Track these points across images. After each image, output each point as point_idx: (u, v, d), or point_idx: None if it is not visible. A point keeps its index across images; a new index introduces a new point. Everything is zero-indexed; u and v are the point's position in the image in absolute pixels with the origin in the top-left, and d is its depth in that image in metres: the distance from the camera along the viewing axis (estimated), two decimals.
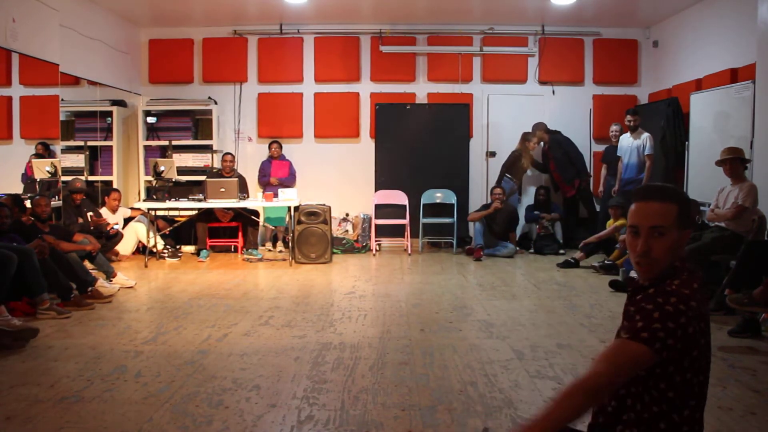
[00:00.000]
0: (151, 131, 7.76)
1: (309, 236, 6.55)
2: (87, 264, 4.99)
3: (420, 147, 7.62)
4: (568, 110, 8.03)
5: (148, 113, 7.70)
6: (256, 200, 6.79)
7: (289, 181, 7.65)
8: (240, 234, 7.12)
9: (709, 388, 2.75)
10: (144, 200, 6.88)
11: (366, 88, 8.08)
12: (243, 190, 6.84)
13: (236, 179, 6.60)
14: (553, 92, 8.10)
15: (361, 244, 7.55)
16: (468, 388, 2.88)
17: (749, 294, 3.53)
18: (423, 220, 7.41)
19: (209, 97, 7.89)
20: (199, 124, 7.89)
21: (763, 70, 5.04)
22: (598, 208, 7.52)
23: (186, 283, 5.48)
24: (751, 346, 3.55)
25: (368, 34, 8.02)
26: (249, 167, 7.93)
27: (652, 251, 1.42)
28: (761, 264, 3.71)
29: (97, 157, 7.49)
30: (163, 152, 7.75)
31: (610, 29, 8.00)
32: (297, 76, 8.08)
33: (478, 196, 7.90)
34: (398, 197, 7.52)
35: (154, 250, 6.63)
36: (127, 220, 6.90)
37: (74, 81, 6.67)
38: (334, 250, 7.14)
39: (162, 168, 6.68)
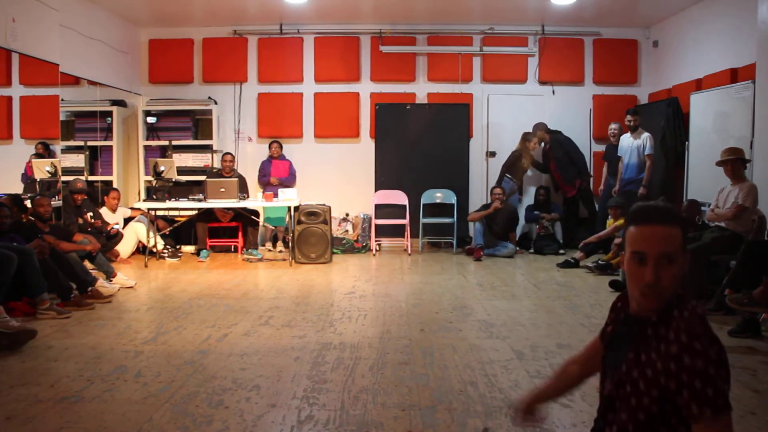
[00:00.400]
0: (151, 131, 7.76)
1: (309, 236, 6.55)
2: (87, 264, 4.99)
3: (420, 147, 7.62)
4: (568, 110, 8.03)
5: (148, 113, 7.70)
6: (256, 200, 6.79)
7: (289, 181, 7.65)
8: (240, 234, 7.12)
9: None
10: (144, 200, 6.88)
11: (366, 88, 8.08)
12: (243, 190, 6.84)
13: (236, 179, 6.60)
14: (553, 92, 8.10)
15: (361, 244, 7.55)
16: (468, 388, 2.88)
17: (749, 294, 3.53)
18: (423, 220, 7.41)
19: (209, 97, 7.89)
20: (199, 124, 7.89)
21: (763, 70, 5.04)
22: (598, 207, 7.52)
23: (186, 283, 5.48)
24: (751, 346, 3.55)
25: (368, 34, 8.02)
26: (249, 167, 7.93)
27: (661, 280, 1.30)
28: (761, 264, 3.71)
29: (97, 157, 7.49)
30: (163, 152, 7.75)
31: (610, 29, 8.00)
32: (297, 76, 8.08)
33: (478, 196, 7.90)
34: (398, 197, 7.52)
35: (154, 250, 6.63)
36: (127, 220, 6.90)
37: (74, 81, 6.67)
38: (334, 250, 7.14)
39: (162, 168, 6.68)
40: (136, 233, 6.74)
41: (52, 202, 5.34)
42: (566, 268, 6.18)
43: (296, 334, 3.80)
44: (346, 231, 7.86)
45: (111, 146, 7.48)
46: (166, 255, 6.66)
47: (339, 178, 8.06)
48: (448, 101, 7.89)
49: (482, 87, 8.11)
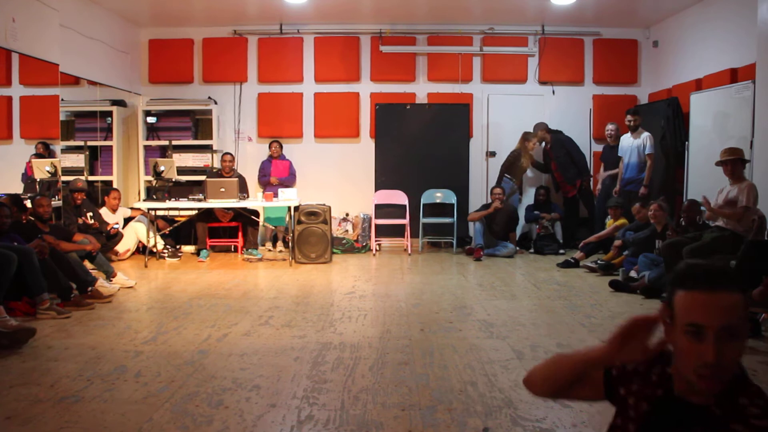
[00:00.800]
0: (151, 131, 7.76)
1: (309, 236, 6.55)
2: (87, 264, 4.99)
3: (420, 147, 7.62)
4: (568, 110, 8.03)
5: (148, 113, 7.70)
6: (256, 200, 6.79)
7: (289, 180, 7.65)
8: (240, 234, 7.11)
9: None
10: (144, 200, 6.88)
11: (366, 88, 8.08)
12: (243, 190, 6.84)
13: (236, 179, 6.60)
14: (553, 92, 8.10)
15: (361, 244, 7.55)
16: (468, 388, 2.88)
17: (749, 294, 3.52)
18: (423, 220, 7.41)
19: (209, 97, 7.89)
20: (199, 124, 7.88)
21: (763, 70, 5.04)
22: (596, 207, 7.52)
23: (186, 283, 5.48)
24: (751, 346, 3.55)
25: (368, 34, 8.02)
26: (249, 167, 7.93)
27: (723, 358, 1.07)
28: (761, 264, 3.71)
29: (97, 157, 7.49)
30: (163, 152, 7.75)
31: (610, 29, 8.00)
32: (297, 76, 8.08)
33: (478, 196, 7.90)
34: (398, 197, 7.52)
35: (154, 250, 6.63)
36: (127, 220, 6.90)
37: (74, 81, 6.67)
38: (334, 250, 7.15)
39: (162, 168, 6.68)
40: (136, 233, 6.74)
41: (52, 202, 5.34)
42: (566, 268, 6.17)
43: (296, 334, 3.80)
44: (346, 231, 7.86)
45: (111, 146, 7.49)
46: (166, 255, 6.66)
47: (339, 178, 8.06)
48: (448, 101, 7.89)
49: (482, 87, 8.11)
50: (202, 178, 6.93)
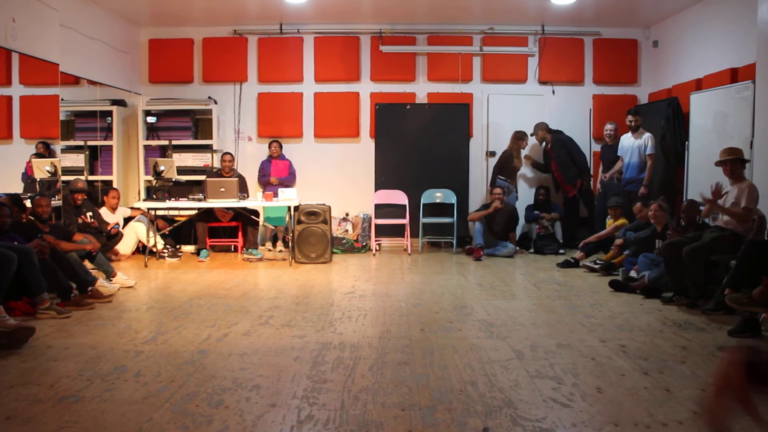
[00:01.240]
0: (151, 131, 7.76)
1: (309, 236, 6.55)
2: (87, 264, 4.99)
3: (420, 147, 7.62)
4: (568, 110, 8.03)
5: (148, 113, 7.70)
6: (256, 200, 6.79)
7: (288, 180, 7.65)
8: (240, 234, 7.12)
9: (709, 388, 2.75)
10: (144, 200, 6.88)
11: (366, 88, 8.08)
12: (243, 189, 6.84)
13: (236, 179, 6.60)
14: (553, 92, 8.11)
15: (361, 243, 7.55)
16: (468, 387, 2.88)
17: (749, 294, 3.53)
18: (423, 220, 7.42)
19: (209, 97, 7.89)
20: (199, 123, 7.88)
21: (763, 70, 5.04)
22: (596, 207, 7.52)
23: (186, 282, 5.48)
24: (751, 346, 3.55)
25: (368, 34, 8.02)
26: (249, 167, 7.93)
27: None
28: (761, 264, 3.71)
29: (97, 157, 7.49)
30: (163, 152, 7.75)
31: (610, 29, 8.00)
32: (297, 76, 8.08)
33: (478, 196, 7.91)
34: (398, 197, 7.52)
35: (154, 249, 6.63)
36: (127, 220, 6.90)
37: (74, 81, 6.67)
38: (334, 250, 7.15)
39: (162, 168, 6.68)
40: (136, 233, 6.74)
41: (52, 202, 5.34)
42: (566, 268, 6.17)
43: (296, 334, 3.80)
44: (346, 231, 7.86)
45: (111, 146, 7.49)
46: (166, 255, 6.66)
47: (339, 178, 8.06)
48: (448, 101, 7.89)
49: (482, 87, 8.11)
50: (202, 178, 6.93)
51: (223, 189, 6.37)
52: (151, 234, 6.60)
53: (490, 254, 6.93)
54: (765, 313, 3.73)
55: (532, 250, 7.31)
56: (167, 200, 6.49)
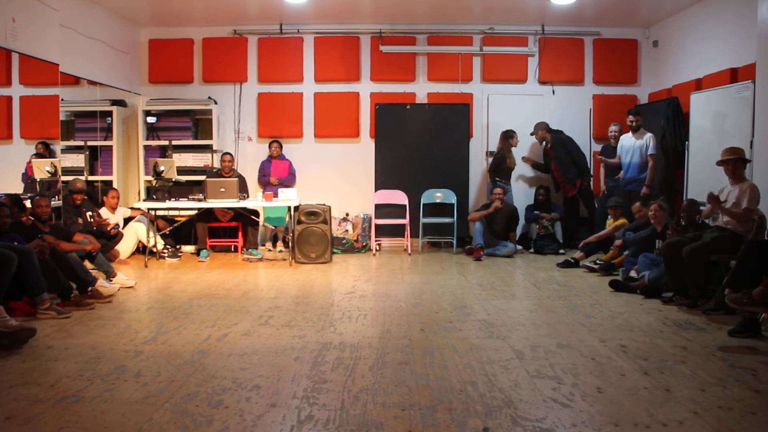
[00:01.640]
0: (151, 131, 7.76)
1: (309, 236, 6.55)
2: (87, 264, 4.99)
3: (420, 147, 7.62)
4: (568, 110, 8.04)
5: (148, 113, 7.70)
6: (256, 200, 6.79)
7: (288, 180, 7.66)
8: (240, 234, 7.12)
9: (709, 388, 2.74)
10: (144, 200, 6.88)
11: (366, 88, 8.08)
12: (243, 189, 6.84)
13: (236, 179, 6.60)
14: (553, 92, 8.11)
15: (361, 244, 7.55)
16: (468, 387, 2.88)
17: (749, 294, 3.53)
18: (423, 220, 7.42)
19: (209, 97, 7.89)
20: (199, 123, 7.89)
21: (763, 70, 5.04)
22: (597, 207, 7.51)
23: (186, 283, 5.48)
24: (751, 346, 3.55)
25: (368, 34, 8.03)
26: (249, 167, 7.93)
27: None
28: (761, 264, 3.71)
29: (97, 157, 7.50)
30: (163, 152, 7.75)
31: (610, 29, 8.01)
32: (297, 76, 8.08)
33: (478, 196, 7.90)
34: (398, 197, 7.52)
35: (154, 250, 6.63)
36: (127, 220, 6.90)
37: (74, 81, 6.67)
38: (334, 250, 7.15)
39: (162, 168, 6.68)
40: (136, 233, 6.74)
41: (52, 202, 5.34)
42: (566, 268, 6.17)
43: (296, 334, 3.80)
44: (346, 231, 7.86)
45: (111, 146, 7.49)
46: (166, 255, 6.66)
47: (339, 178, 8.07)
48: (448, 101, 7.89)
49: (482, 87, 8.11)
50: (202, 178, 6.93)
51: (223, 189, 6.37)
52: (151, 234, 6.60)
53: (490, 254, 6.93)
54: (765, 313, 3.73)
55: (532, 250, 7.31)
56: (167, 200, 6.49)
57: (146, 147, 7.75)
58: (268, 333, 3.83)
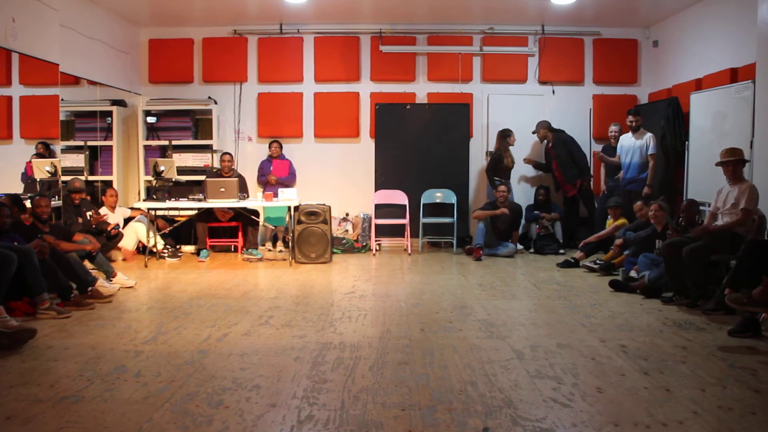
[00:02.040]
0: (151, 131, 7.76)
1: (309, 236, 6.55)
2: (87, 264, 4.99)
3: (420, 147, 7.62)
4: (568, 110, 8.03)
5: (148, 113, 7.70)
6: (255, 200, 6.79)
7: (289, 180, 7.65)
8: (240, 234, 7.12)
9: (709, 388, 2.75)
10: (144, 200, 6.88)
11: (366, 88, 8.08)
12: (243, 189, 6.84)
13: (236, 179, 6.60)
14: (553, 92, 8.11)
15: (361, 243, 7.55)
16: (468, 387, 2.88)
17: (749, 294, 3.53)
18: (423, 220, 7.42)
19: (209, 97, 7.89)
20: (199, 123, 7.89)
21: (763, 70, 5.04)
22: (597, 207, 7.51)
23: (186, 283, 5.48)
24: (751, 346, 3.55)
25: (368, 34, 8.02)
26: (249, 167, 7.93)
27: None
28: (761, 264, 3.71)
29: (97, 157, 7.49)
30: (163, 152, 7.75)
31: (610, 29, 8.00)
32: (297, 76, 8.08)
33: (478, 196, 7.90)
34: (398, 197, 7.52)
35: (154, 250, 6.63)
36: (127, 220, 6.90)
37: (74, 81, 6.67)
38: (334, 250, 7.15)
39: (162, 168, 6.68)
40: (136, 233, 6.74)
41: (52, 202, 5.33)
42: (566, 268, 6.17)
43: (296, 334, 3.80)
44: (346, 231, 7.86)
45: (111, 146, 7.48)
46: (166, 255, 6.66)
47: (339, 178, 8.07)
48: (448, 101, 7.89)
49: (482, 87, 8.11)
50: (202, 178, 6.93)
51: (223, 189, 6.37)
52: (151, 234, 6.60)
53: (490, 254, 6.92)
54: (765, 313, 3.73)
55: (532, 250, 7.31)
56: (167, 200, 6.49)
57: (146, 147, 7.74)
58: (268, 333, 3.83)
